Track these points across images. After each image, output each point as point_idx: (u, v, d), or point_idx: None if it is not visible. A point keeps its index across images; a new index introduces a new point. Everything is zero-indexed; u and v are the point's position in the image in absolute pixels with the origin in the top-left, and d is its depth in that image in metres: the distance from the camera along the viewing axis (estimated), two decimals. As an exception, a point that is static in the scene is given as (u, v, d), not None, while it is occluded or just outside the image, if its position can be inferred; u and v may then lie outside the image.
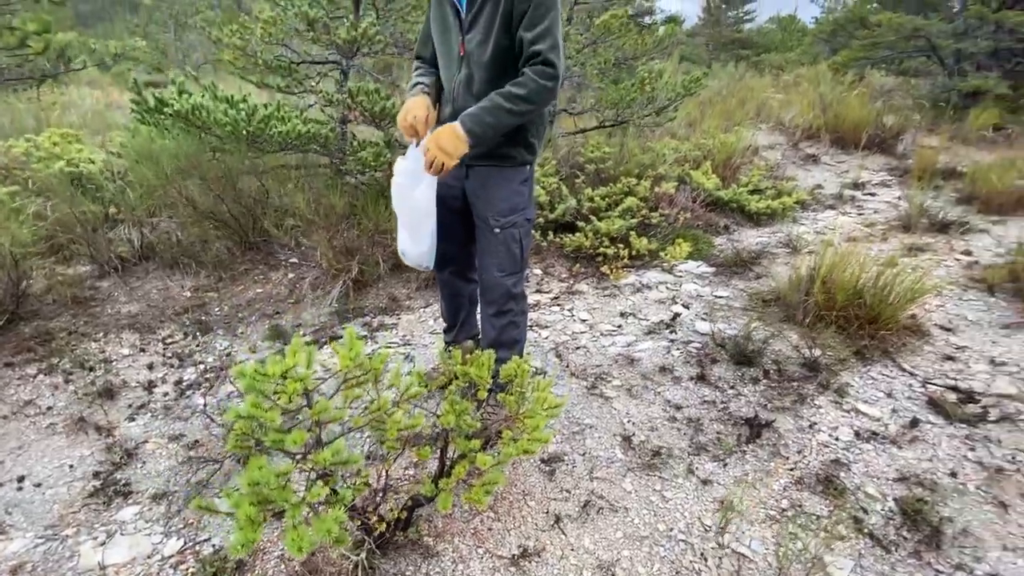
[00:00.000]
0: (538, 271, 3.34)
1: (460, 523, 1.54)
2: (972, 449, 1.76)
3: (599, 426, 1.95)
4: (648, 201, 3.73)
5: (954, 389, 2.04)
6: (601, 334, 2.62)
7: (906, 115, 6.40)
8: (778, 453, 1.79)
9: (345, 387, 1.35)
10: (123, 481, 1.79)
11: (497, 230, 1.68)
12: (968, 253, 3.33)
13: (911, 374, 2.15)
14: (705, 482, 1.68)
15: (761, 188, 4.27)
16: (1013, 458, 1.71)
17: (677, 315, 2.75)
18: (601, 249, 3.33)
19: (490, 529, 1.53)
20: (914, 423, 1.86)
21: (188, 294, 2.91)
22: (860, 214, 4.20)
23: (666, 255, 3.31)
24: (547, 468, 1.75)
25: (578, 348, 2.50)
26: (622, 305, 2.92)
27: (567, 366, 2.35)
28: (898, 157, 5.59)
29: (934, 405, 1.96)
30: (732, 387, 2.14)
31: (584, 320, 2.77)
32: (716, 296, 2.95)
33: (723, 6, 14.94)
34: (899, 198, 4.48)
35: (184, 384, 2.30)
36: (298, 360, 1.22)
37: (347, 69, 3.61)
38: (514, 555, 1.44)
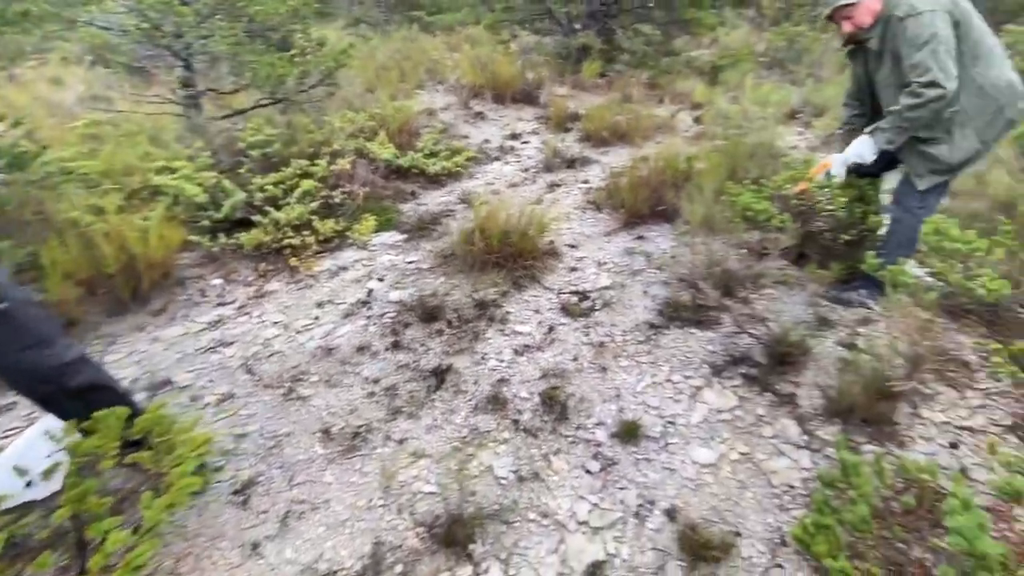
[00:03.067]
0: (216, 281, 2.97)
1: (132, 608, 1.33)
2: (587, 335, 2.37)
3: (297, 430, 1.91)
4: (328, 180, 3.64)
5: (576, 293, 2.69)
6: (297, 332, 2.53)
7: (542, 69, 7.71)
8: (460, 390, 2.07)
9: None
10: None
11: None
12: (586, 181, 4.31)
13: (550, 290, 2.73)
14: (401, 442, 1.83)
15: (437, 151, 4.62)
16: (610, 333, 2.37)
17: (371, 290, 2.84)
18: (286, 240, 3.15)
19: (174, 595, 1.37)
20: (551, 329, 2.39)
21: None
22: (518, 161, 4.97)
23: (354, 233, 3.33)
24: (240, 498, 1.64)
25: (272, 355, 2.36)
26: (319, 295, 2.85)
27: (259, 380, 2.20)
28: (542, 107, 6.75)
29: (564, 310, 2.54)
30: (422, 344, 2.36)
31: (277, 322, 2.62)
32: (407, 262, 3.14)
33: (384, -34, 15.02)
34: (544, 143, 5.45)
35: None
36: None
37: None
38: (206, 608, 1.33)
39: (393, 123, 4.71)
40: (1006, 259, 2.44)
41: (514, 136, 5.72)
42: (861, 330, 2.27)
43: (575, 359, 2.20)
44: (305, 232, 3.20)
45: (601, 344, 2.29)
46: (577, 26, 9.01)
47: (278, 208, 3.29)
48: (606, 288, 2.71)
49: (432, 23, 14.69)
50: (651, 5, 7.93)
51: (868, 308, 2.33)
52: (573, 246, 3.21)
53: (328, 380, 2.17)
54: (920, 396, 1.92)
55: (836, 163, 2.22)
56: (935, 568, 1.32)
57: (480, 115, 6.38)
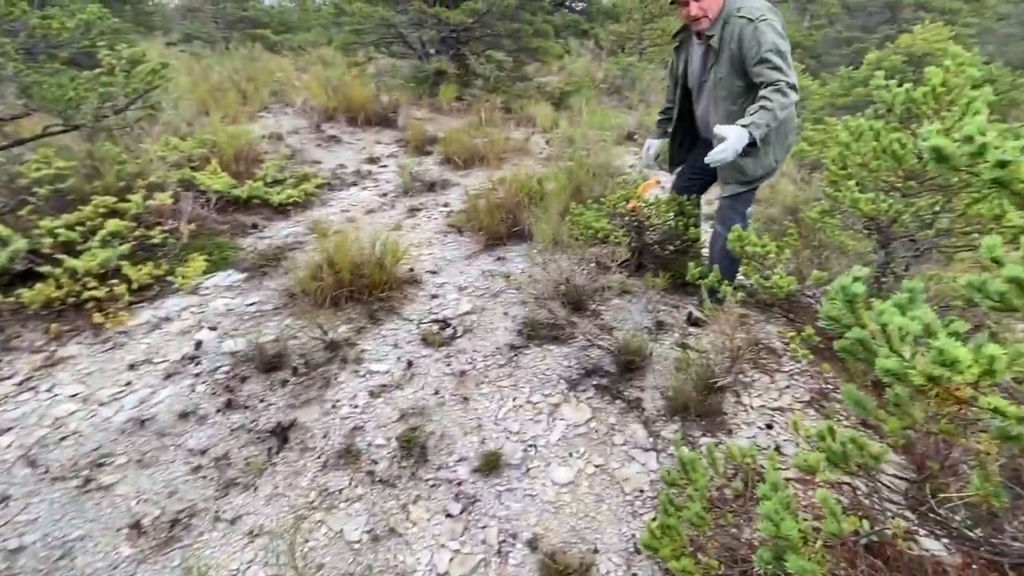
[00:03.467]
0: (-14, 352, 2.38)
1: None
2: (448, 365, 2.30)
3: (95, 530, 1.56)
4: (144, 218, 3.15)
5: (437, 321, 2.61)
6: (101, 404, 2.10)
7: (398, 93, 7.63)
8: (306, 447, 1.86)
9: None
10: None
11: None
12: (447, 204, 4.30)
13: (409, 321, 2.62)
14: (234, 521, 1.59)
15: (282, 178, 4.27)
16: (471, 360, 2.33)
17: (201, 343, 2.48)
18: (88, 293, 2.63)
19: None
20: (410, 364, 2.29)
21: None
22: (376, 186, 4.80)
23: (179, 277, 2.90)
24: (3, 639, 1.28)
25: (64, 439, 1.92)
26: (132, 355, 2.41)
27: (45, 472, 1.77)
28: (400, 130, 6.64)
29: (425, 340, 2.45)
30: (262, 400, 2.10)
31: (75, 395, 2.15)
32: (247, 305, 2.81)
33: (217, -21, 13.78)
34: (402, 167, 5.35)
35: None
36: None
37: None
38: None
39: (228, 149, 4.27)
40: (793, 257, 2.89)
41: (372, 160, 5.54)
42: (692, 330, 2.52)
43: (436, 392, 2.12)
44: (113, 281, 2.71)
45: (463, 373, 2.24)
46: (431, 51, 9.10)
47: (75, 255, 2.75)
48: (467, 313, 2.68)
49: (279, 42, 13.83)
50: (499, 33, 8.27)
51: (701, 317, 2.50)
52: (434, 272, 3.14)
53: (140, 459, 1.82)
54: (741, 385, 2.16)
55: (716, 155, 1.91)
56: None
57: (334, 139, 6.09)
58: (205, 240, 3.34)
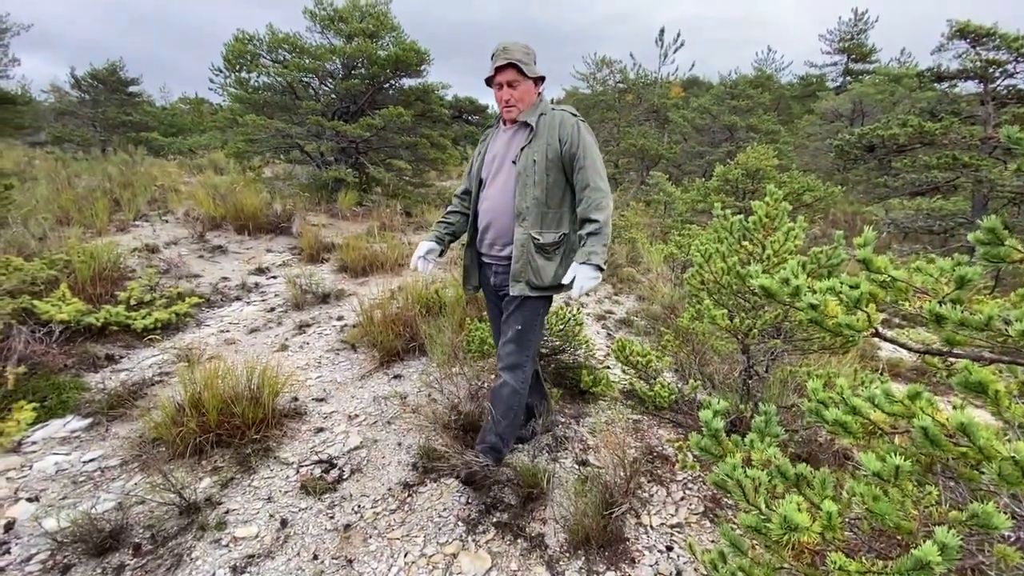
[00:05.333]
0: None
1: None
2: (331, 517, 2.05)
3: None
4: (-46, 363, 2.63)
5: (320, 462, 2.36)
6: None
7: (294, 200, 7.54)
8: (140, 661, 1.49)
9: None
10: None
11: None
12: (341, 318, 4.13)
13: (288, 464, 2.34)
14: None
15: (150, 299, 3.88)
16: (358, 507, 2.10)
17: (14, 522, 2.00)
18: None
19: None
20: (284, 523, 2.00)
21: None
22: (264, 300, 4.52)
23: (-6, 435, 2.40)
24: None
25: None
26: (-96, 551, 1.86)
27: None
28: (295, 237, 6.48)
29: (304, 488, 2.18)
30: (87, 598, 1.69)
31: None
32: (85, 462, 2.36)
33: (98, 85, 13.25)
34: (298, 277, 5.13)
35: None
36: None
37: None
38: None
39: (84, 269, 3.83)
40: (674, 357, 3.07)
41: (260, 270, 5.28)
42: (591, 442, 2.52)
43: (315, 558, 1.85)
44: None
45: (348, 527, 1.99)
46: (331, 159, 9.25)
47: None
48: (356, 449, 2.46)
49: (166, 146, 13.33)
50: (398, 145, 8.66)
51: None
52: (322, 399, 2.91)
53: None
54: (640, 501, 2.15)
55: (583, 289, 1.84)
56: None
57: (219, 249, 5.76)
58: (40, 381, 2.84)
